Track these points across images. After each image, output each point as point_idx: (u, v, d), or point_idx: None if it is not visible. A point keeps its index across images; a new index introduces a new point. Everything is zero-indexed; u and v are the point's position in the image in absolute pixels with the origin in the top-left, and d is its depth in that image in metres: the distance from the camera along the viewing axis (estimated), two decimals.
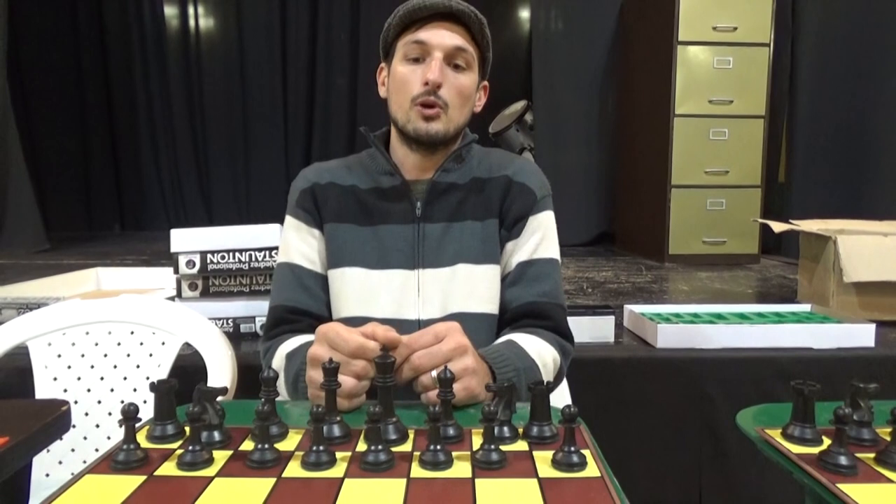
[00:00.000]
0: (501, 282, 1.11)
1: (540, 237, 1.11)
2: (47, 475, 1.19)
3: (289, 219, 1.15)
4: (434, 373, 0.77)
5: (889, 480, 0.64)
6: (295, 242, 1.12)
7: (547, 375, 1.02)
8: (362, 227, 1.10)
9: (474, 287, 1.08)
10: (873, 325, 1.61)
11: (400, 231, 1.09)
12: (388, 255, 1.08)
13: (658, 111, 3.10)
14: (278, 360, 1.02)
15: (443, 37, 1.04)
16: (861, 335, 1.60)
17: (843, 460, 0.65)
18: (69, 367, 1.23)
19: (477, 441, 0.69)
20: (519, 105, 4.15)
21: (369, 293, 1.07)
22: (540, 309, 1.08)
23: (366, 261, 1.08)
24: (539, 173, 1.17)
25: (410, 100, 1.05)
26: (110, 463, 0.65)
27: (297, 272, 1.11)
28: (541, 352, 1.01)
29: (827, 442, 0.69)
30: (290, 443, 0.71)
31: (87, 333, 1.26)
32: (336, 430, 0.71)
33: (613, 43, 3.75)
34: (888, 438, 0.68)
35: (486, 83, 1.16)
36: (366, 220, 1.10)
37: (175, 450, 0.68)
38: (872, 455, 0.68)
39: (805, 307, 1.90)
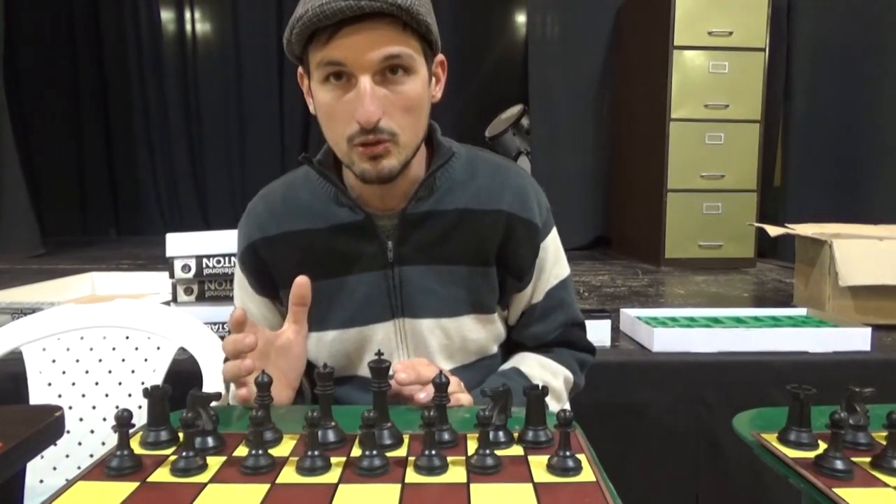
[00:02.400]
0: (519, 317, 1.03)
1: (551, 264, 1.01)
2: (41, 481, 1.18)
3: (237, 269, 1.02)
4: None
5: (885, 485, 0.64)
6: (240, 298, 1.02)
7: (556, 398, 0.99)
8: (328, 281, 0.93)
9: (464, 342, 0.97)
10: (869, 329, 1.61)
11: (371, 280, 0.93)
12: (363, 310, 0.94)
13: (654, 115, 3.11)
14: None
15: (363, 52, 0.79)
16: (857, 339, 1.60)
17: (839, 464, 0.65)
18: (63, 372, 1.23)
19: (472, 446, 0.69)
20: (515, 109, 4.16)
21: (346, 357, 0.96)
22: (561, 339, 1.04)
23: (338, 321, 0.94)
24: (536, 191, 1.00)
25: (346, 140, 0.84)
26: (103, 469, 0.64)
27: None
28: (546, 378, 0.99)
29: (823, 446, 0.69)
30: (284, 448, 0.70)
31: (82, 338, 1.25)
32: (331, 436, 0.70)
33: (609, 47, 3.76)
34: (884, 443, 0.68)
35: (441, 58, 0.92)
36: (330, 272, 0.94)
37: (168, 456, 0.68)
38: (868, 459, 0.68)
39: (801, 311, 1.90)
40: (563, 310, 1.04)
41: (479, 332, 0.98)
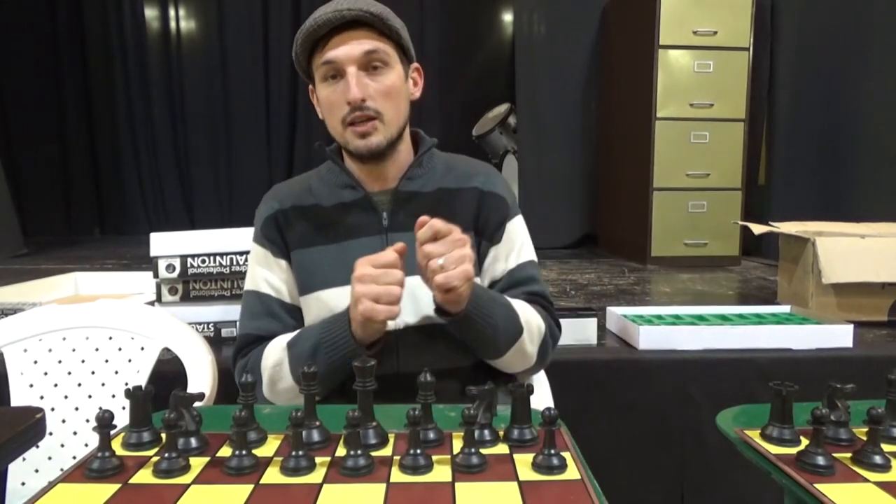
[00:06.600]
0: (493, 285, 1.12)
1: (520, 242, 1.14)
2: (23, 484, 1.17)
3: (255, 247, 1.14)
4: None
5: (865, 480, 0.64)
6: (261, 272, 1.12)
7: (529, 333, 1.05)
8: (329, 247, 1.09)
9: None
10: (851, 326, 1.63)
11: (368, 243, 1.07)
12: None
13: (640, 114, 3.12)
14: (275, 356, 1.03)
15: (349, 49, 1.01)
16: (839, 336, 1.62)
17: (820, 460, 0.66)
18: (45, 373, 1.21)
19: (457, 444, 0.69)
20: (502, 108, 4.16)
21: None
22: (532, 304, 1.11)
23: (338, 280, 1.06)
24: (505, 182, 1.18)
25: (341, 122, 1.05)
26: (84, 471, 0.64)
27: (264, 301, 1.11)
28: (526, 313, 1.05)
29: (805, 442, 0.70)
30: (268, 448, 0.70)
31: (65, 339, 1.24)
32: (315, 436, 0.70)
33: (596, 46, 3.78)
34: (865, 438, 0.69)
35: (416, 65, 1.14)
36: (332, 238, 1.09)
37: (151, 457, 0.67)
38: (849, 455, 0.69)
39: (784, 308, 1.91)
40: (535, 283, 1.14)
41: None
